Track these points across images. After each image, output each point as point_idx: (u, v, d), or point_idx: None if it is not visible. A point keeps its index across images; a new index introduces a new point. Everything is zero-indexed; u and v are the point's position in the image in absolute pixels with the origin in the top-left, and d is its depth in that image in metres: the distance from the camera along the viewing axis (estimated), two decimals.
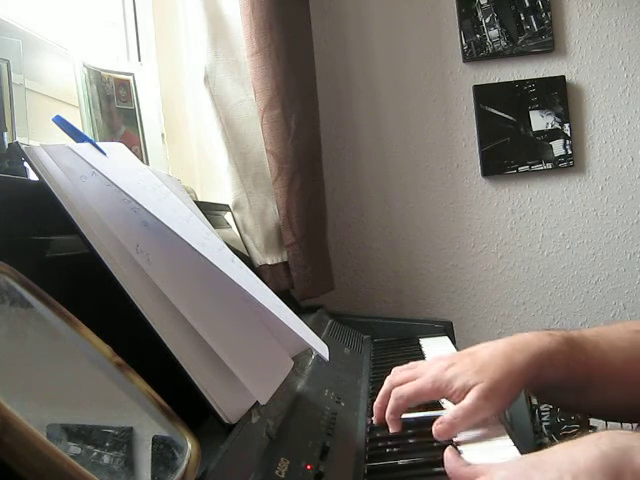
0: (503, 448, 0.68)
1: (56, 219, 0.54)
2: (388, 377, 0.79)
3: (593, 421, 1.34)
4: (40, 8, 1.06)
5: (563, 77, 1.61)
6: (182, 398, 0.50)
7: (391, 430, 0.73)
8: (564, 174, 1.63)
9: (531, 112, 1.61)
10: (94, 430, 0.43)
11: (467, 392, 0.70)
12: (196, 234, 0.62)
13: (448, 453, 0.60)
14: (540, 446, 1.48)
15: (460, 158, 1.63)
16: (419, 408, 0.76)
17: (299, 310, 1.27)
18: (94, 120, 1.06)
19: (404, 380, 0.75)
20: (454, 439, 0.70)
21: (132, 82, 1.20)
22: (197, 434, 0.47)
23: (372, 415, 0.80)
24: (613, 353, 0.73)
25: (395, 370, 0.80)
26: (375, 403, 0.77)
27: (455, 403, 0.71)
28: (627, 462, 0.46)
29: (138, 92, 1.21)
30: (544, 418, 1.47)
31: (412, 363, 0.82)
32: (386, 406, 0.74)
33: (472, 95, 1.62)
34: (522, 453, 0.65)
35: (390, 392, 0.75)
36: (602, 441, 0.49)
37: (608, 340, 0.75)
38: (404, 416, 0.74)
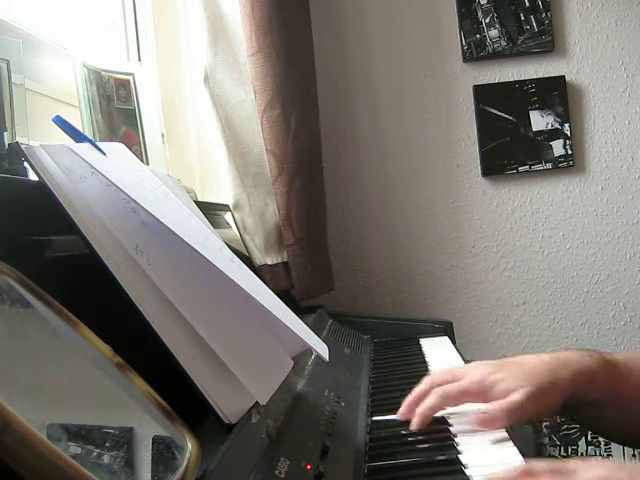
0: (503, 448, 0.68)
1: (56, 219, 0.54)
2: (426, 378, 0.78)
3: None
4: (40, 8, 1.06)
5: (563, 77, 1.61)
6: (182, 398, 0.49)
7: (416, 426, 0.72)
8: (564, 174, 1.63)
9: (531, 112, 1.61)
10: (94, 430, 0.43)
11: None
12: (196, 234, 0.62)
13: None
14: (540, 446, 1.48)
15: (460, 158, 1.63)
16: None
17: (299, 310, 1.27)
18: (94, 120, 1.05)
19: (444, 382, 0.75)
20: (455, 439, 0.70)
21: (132, 82, 1.20)
22: (197, 434, 0.47)
23: (372, 415, 0.80)
24: None
25: (434, 374, 0.80)
26: (409, 399, 0.76)
27: None
28: None
29: (138, 92, 1.21)
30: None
31: (449, 369, 0.82)
32: (418, 404, 0.74)
33: (472, 95, 1.62)
34: (522, 453, 0.65)
35: (427, 392, 0.74)
36: None
37: (638, 365, 0.76)
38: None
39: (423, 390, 0.76)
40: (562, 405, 0.73)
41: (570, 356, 0.75)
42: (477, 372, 0.75)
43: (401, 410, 0.76)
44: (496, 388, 0.71)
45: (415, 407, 0.74)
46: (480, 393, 0.73)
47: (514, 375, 0.72)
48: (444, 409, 0.75)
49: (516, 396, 0.69)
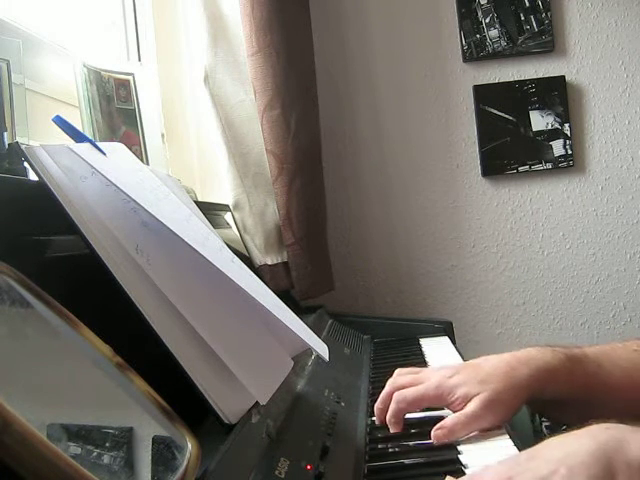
0: (503, 448, 0.68)
1: (56, 219, 0.54)
2: (390, 379, 0.78)
3: None
4: (40, 8, 1.06)
5: (563, 77, 1.61)
6: (182, 398, 0.49)
7: (392, 431, 0.73)
8: (564, 174, 1.63)
9: (531, 112, 1.61)
10: (94, 430, 0.43)
11: (468, 401, 0.70)
12: (196, 234, 0.62)
13: None
14: None
15: (460, 158, 1.63)
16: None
17: (299, 310, 1.27)
18: (94, 120, 1.05)
19: (406, 384, 0.75)
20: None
21: (132, 82, 1.20)
22: (197, 434, 0.47)
23: (372, 415, 0.80)
24: (614, 372, 0.74)
25: (398, 372, 0.80)
26: (376, 404, 0.77)
27: (455, 411, 0.71)
28: (621, 454, 0.47)
29: (138, 92, 1.21)
30: (544, 418, 1.47)
31: (415, 368, 0.82)
32: (387, 408, 0.74)
33: (472, 95, 1.61)
34: None
35: (392, 394, 0.75)
36: (597, 434, 0.49)
37: (609, 359, 0.75)
38: (407, 416, 0.74)
39: (387, 393, 0.76)
40: (528, 403, 0.73)
41: (531, 353, 0.74)
42: (435, 377, 0.74)
43: (376, 418, 0.77)
44: (454, 393, 0.71)
45: (383, 413, 0.75)
46: (437, 398, 0.73)
47: (471, 379, 0.72)
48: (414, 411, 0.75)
49: (471, 407, 0.69)
